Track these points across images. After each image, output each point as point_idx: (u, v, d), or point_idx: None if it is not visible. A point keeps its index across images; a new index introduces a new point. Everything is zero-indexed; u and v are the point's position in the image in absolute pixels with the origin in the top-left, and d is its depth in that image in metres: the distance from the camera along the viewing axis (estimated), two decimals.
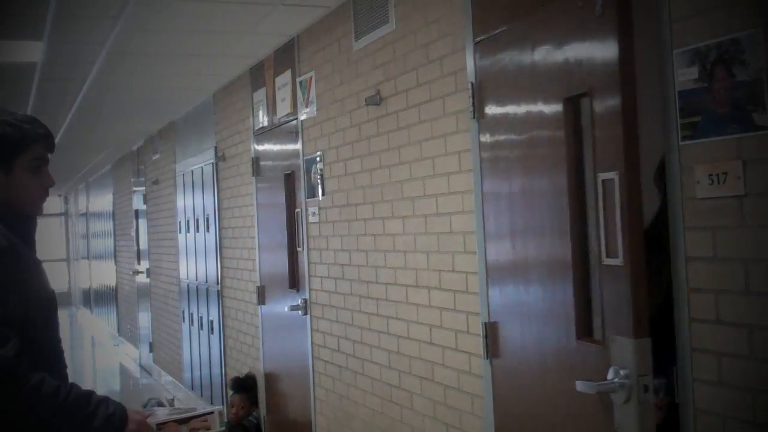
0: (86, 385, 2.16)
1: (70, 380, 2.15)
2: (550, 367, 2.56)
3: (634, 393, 2.03)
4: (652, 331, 2.18)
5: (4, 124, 2.12)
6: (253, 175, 5.77)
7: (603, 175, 2.20)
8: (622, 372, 2.06)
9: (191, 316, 7.67)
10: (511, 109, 2.80)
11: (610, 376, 2.11)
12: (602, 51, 2.22)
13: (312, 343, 4.77)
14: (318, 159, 4.54)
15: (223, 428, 2.26)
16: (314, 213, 4.64)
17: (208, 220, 6.95)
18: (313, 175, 4.62)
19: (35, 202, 2.20)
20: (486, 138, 2.96)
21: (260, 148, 5.69)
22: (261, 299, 5.68)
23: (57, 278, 18.87)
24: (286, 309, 5.04)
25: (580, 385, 2.18)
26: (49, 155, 2.23)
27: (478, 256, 3.04)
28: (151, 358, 9.85)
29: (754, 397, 1.96)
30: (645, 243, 2.16)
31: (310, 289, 4.76)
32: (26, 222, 2.20)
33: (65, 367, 2.21)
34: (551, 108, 2.51)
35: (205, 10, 4.26)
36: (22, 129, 2.14)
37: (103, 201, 13.97)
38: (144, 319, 10.25)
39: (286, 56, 5.02)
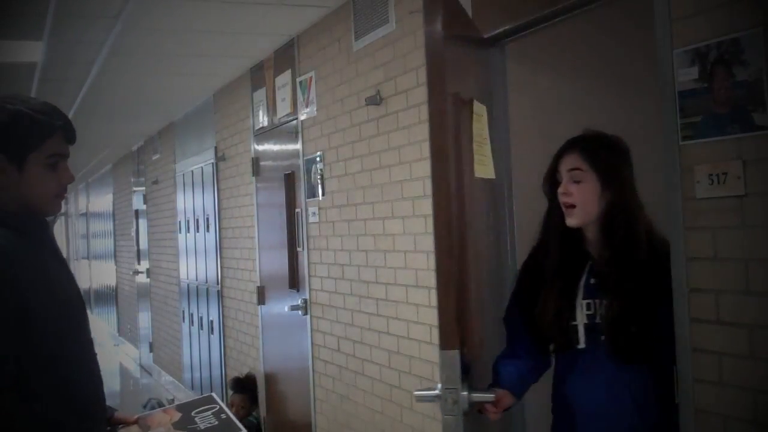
0: None
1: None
2: None
3: (444, 405, 2.00)
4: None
5: (16, 114, 1.86)
6: (253, 175, 5.77)
7: None
8: (440, 384, 2.03)
9: (191, 316, 7.67)
10: None
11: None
12: None
13: (312, 343, 4.77)
14: (318, 159, 4.54)
15: None
16: (314, 213, 4.64)
17: (208, 220, 6.95)
18: (313, 175, 4.62)
19: (50, 200, 1.94)
20: None
21: (260, 148, 5.69)
22: (261, 299, 5.68)
23: None
24: (286, 309, 5.04)
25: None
26: (69, 148, 1.97)
27: None
28: (151, 358, 9.85)
29: (755, 397, 1.96)
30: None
31: (310, 289, 4.75)
32: (40, 224, 1.95)
33: (95, 362, 2.02)
34: None
35: (205, 10, 4.26)
36: (38, 120, 1.87)
37: (103, 201, 13.97)
38: (144, 319, 10.25)
39: (286, 56, 5.02)
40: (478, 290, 2.47)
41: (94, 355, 2.02)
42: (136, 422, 2.08)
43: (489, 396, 2.08)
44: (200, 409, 2.14)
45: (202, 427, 2.05)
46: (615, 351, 2.09)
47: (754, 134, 1.93)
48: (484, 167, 2.61)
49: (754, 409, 1.96)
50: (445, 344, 2.00)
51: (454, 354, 1.98)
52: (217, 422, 2.07)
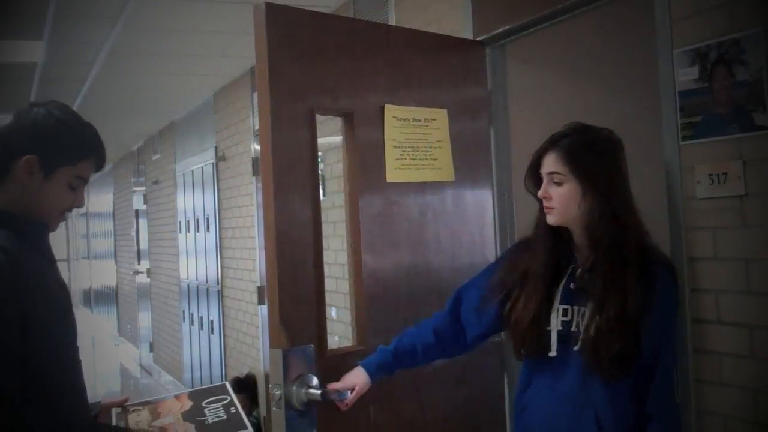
0: (87, 385, 2.03)
1: None
2: None
3: (272, 400, 2.13)
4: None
5: (63, 124, 1.88)
6: (253, 175, 5.77)
7: None
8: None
9: (191, 316, 7.67)
10: None
11: None
12: None
13: None
14: (318, 159, 4.53)
15: None
16: None
17: (208, 220, 6.95)
18: None
19: (56, 218, 1.93)
20: None
21: (260, 148, 5.68)
22: (261, 299, 5.68)
23: None
24: None
25: None
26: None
27: None
28: (151, 358, 9.85)
29: (755, 397, 1.96)
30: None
31: None
32: (40, 228, 1.93)
33: (80, 371, 1.96)
34: None
35: (205, 10, 4.26)
36: (80, 139, 1.90)
37: (103, 201, 13.97)
38: (144, 319, 10.25)
39: None
40: (382, 293, 2.53)
41: (79, 362, 1.98)
42: (125, 401, 2.09)
43: (316, 393, 2.12)
44: (211, 399, 2.13)
45: (210, 421, 2.03)
46: (595, 368, 1.94)
47: (754, 134, 1.93)
48: (434, 171, 2.63)
49: (754, 409, 1.96)
50: (271, 343, 2.15)
51: (278, 352, 2.11)
52: (225, 416, 2.05)
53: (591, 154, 2.01)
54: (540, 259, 2.10)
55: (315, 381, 2.16)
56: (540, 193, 2.05)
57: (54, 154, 1.86)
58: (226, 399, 2.12)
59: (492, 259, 2.85)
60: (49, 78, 5.71)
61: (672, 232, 2.16)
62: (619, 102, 3.14)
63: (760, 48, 1.91)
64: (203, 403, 2.11)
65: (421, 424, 2.54)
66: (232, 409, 2.08)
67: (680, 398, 2.14)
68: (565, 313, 2.04)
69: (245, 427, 2.01)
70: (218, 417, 2.04)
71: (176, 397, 2.17)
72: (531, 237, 2.16)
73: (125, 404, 2.11)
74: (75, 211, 2.01)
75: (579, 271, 2.04)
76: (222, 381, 6.71)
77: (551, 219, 2.05)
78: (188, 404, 2.11)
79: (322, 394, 2.13)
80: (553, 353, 2.03)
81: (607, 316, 1.93)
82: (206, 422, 2.02)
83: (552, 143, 2.05)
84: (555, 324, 2.04)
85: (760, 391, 1.94)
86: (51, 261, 1.97)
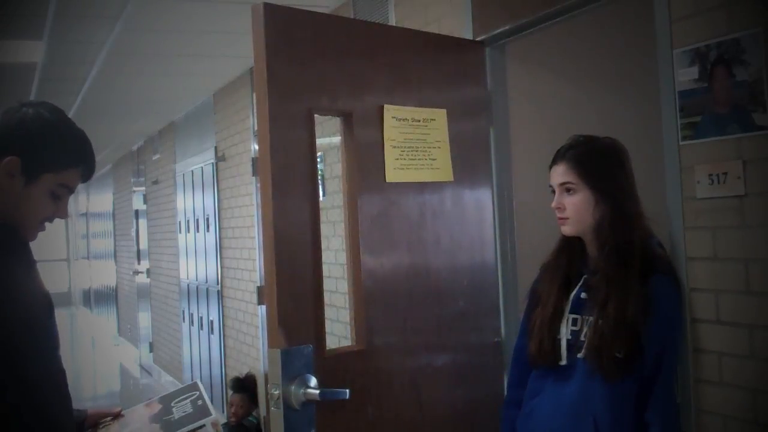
0: (86, 385, 2.00)
1: (71, 380, 1.85)
2: None
3: (270, 398, 2.16)
4: None
5: (52, 128, 1.76)
6: (253, 175, 5.77)
7: None
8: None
9: (191, 316, 7.67)
10: None
11: None
12: None
13: None
14: (318, 159, 4.54)
15: None
16: None
17: (208, 220, 6.95)
18: None
19: (34, 227, 1.78)
20: None
21: (258, 148, 5.68)
22: (261, 299, 5.68)
23: (57, 278, 18.89)
24: None
25: None
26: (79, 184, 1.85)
27: None
28: (151, 358, 9.85)
29: (755, 397, 1.96)
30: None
31: None
32: (12, 230, 1.75)
33: (64, 374, 1.81)
34: None
35: (205, 10, 4.26)
36: (70, 145, 1.78)
37: (103, 201, 13.97)
38: (144, 319, 10.25)
39: None
40: (381, 294, 2.52)
41: (63, 371, 1.80)
42: (119, 413, 2.06)
43: (314, 393, 2.14)
44: (181, 398, 2.11)
45: (176, 417, 2.01)
46: (598, 370, 1.96)
47: (754, 134, 1.93)
48: (433, 171, 2.64)
49: (754, 409, 1.96)
50: (270, 343, 2.18)
51: (276, 352, 2.15)
52: (192, 410, 2.03)
53: (599, 161, 2.07)
54: (549, 273, 2.15)
55: (314, 381, 2.17)
56: (554, 204, 2.09)
57: (39, 159, 1.73)
58: (195, 394, 2.11)
59: (491, 259, 2.87)
60: (49, 78, 5.71)
61: (672, 232, 2.16)
62: (619, 102, 3.14)
63: (760, 48, 1.91)
64: (172, 404, 2.09)
65: (420, 424, 2.55)
66: (200, 402, 2.07)
67: (680, 398, 2.14)
68: (574, 323, 2.07)
69: (209, 414, 1.99)
70: (184, 412, 2.03)
71: (147, 405, 2.15)
72: (550, 259, 2.21)
73: (101, 421, 2.05)
74: (75, 211, 1.94)
75: (588, 279, 2.08)
76: (221, 381, 6.72)
77: (566, 230, 2.10)
78: (157, 408, 2.09)
79: (320, 394, 2.14)
80: (563, 362, 2.07)
81: (608, 317, 1.96)
82: (172, 419, 2.01)
83: (560, 156, 2.10)
84: (564, 333, 2.07)
85: (759, 391, 1.94)
86: (29, 264, 1.79)
